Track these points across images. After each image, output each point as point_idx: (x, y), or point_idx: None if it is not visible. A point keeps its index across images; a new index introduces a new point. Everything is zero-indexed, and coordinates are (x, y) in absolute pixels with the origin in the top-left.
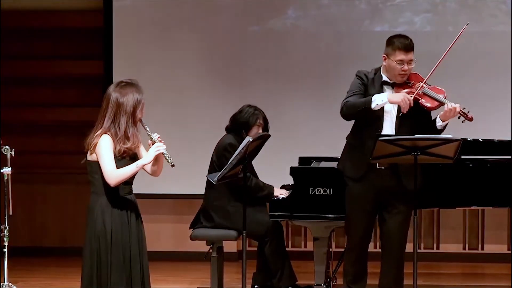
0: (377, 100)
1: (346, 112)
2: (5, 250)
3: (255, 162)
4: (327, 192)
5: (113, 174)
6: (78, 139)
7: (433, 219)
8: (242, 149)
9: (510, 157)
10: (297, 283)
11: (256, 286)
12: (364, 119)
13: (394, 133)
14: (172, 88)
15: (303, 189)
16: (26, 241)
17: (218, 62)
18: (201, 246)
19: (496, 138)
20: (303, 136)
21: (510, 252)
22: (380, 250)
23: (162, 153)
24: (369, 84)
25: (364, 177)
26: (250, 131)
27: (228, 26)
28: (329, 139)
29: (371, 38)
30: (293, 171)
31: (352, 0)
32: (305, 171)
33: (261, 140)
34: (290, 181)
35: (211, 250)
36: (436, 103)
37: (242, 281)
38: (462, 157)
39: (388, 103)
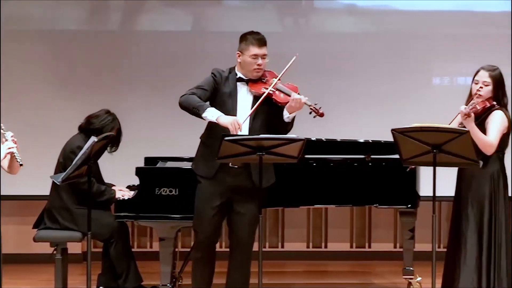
0: (209, 114)
1: (182, 103)
2: None
3: (101, 162)
4: (173, 192)
5: None
6: None
7: (278, 218)
8: (87, 149)
9: (354, 156)
10: (142, 283)
11: None
12: None
13: (248, 130)
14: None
15: (149, 189)
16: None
17: (65, 64)
18: (45, 248)
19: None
20: (150, 136)
21: (352, 249)
22: (228, 250)
23: (13, 153)
24: (223, 82)
25: (216, 176)
26: None
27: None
28: (179, 140)
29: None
30: (138, 171)
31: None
32: (151, 171)
33: (106, 141)
34: (136, 181)
35: (55, 252)
36: (289, 98)
37: (86, 282)
38: (307, 156)
39: (216, 121)
